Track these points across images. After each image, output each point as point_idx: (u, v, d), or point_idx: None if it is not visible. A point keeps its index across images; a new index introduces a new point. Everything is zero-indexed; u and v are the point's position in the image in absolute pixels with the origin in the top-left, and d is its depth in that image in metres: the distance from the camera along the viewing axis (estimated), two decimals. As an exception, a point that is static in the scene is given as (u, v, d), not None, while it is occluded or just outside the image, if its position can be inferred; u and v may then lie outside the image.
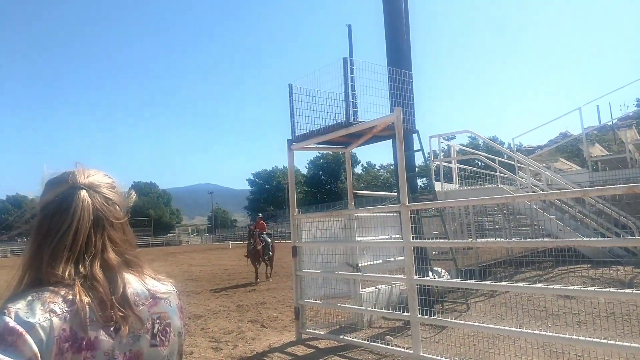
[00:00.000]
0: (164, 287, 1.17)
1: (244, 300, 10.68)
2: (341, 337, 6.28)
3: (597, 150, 20.37)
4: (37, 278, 1.02)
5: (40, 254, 1.04)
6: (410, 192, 6.73)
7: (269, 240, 14.69)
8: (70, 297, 0.97)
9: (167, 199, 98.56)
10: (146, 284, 1.13)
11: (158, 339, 1.08)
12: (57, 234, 1.04)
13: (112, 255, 1.08)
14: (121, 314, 1.01)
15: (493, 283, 6.34)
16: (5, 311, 0.92)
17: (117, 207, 1.16)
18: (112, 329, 0.99)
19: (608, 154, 20.84)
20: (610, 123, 20.73)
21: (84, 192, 1.10)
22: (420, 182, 21.96)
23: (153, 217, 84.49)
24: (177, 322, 1.14)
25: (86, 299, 0.98)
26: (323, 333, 6.68)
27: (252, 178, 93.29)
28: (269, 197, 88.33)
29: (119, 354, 0.99)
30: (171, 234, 74.92)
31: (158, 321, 1.09)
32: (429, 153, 11.85)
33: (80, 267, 1.03)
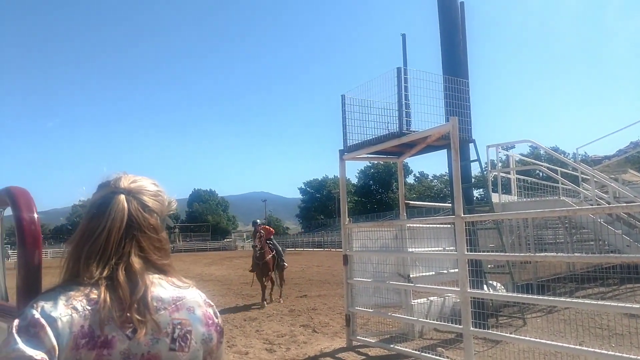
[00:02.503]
0: (190, 294, 1.17)
1: (295, 305, 10.87)
2: (391, 346, 6.27)
3: (672, 162, 18.94)
4: (73, 275, 1.09)
5: (79, 251, 1.11)
6: (465, 204, 6.64)
7: (280, 248, 11.88)
8: (93, 295, 1.03)
9: (224, 205, 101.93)
10: (171, 290, 1.14)
11: (177, 344, 1.08)
12: (93, 235, 1.10)
13: (136, 259, 1.11)
14: (138, 318, 1.04)
15: (552, 298, 6.11)
16: (35, 305, 1.01)
17: (155, 214, 1.19)
18: (129, 330, 1.03)
19: (685, 165, 19.34)
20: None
21: (122, 197, 1.15)
22: (476, 193, 21.37)
23: (211, 222, 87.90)
24: (200, 330, 1.13)
25: (108, 299, 1.03)
26: (374, 341, 6.70)
27: (303, 187, 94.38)
28: (319, 206, 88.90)
29: (136, 355, 1.02)
30: (228, 239, 77.35)
31: (179, 327, 1.09)
32: (486, 163, 11.57)
33: (107, 268, 1.08)
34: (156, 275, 1.14)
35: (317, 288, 14.23)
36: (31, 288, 1.52)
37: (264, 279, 10.82)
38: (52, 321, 0.97)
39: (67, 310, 0.99)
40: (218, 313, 1.21)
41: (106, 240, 1.10)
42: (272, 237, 11.69)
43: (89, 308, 1.01)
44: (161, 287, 1.12)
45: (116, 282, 1.06)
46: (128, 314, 1.03)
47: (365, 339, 6.76)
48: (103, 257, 1.09)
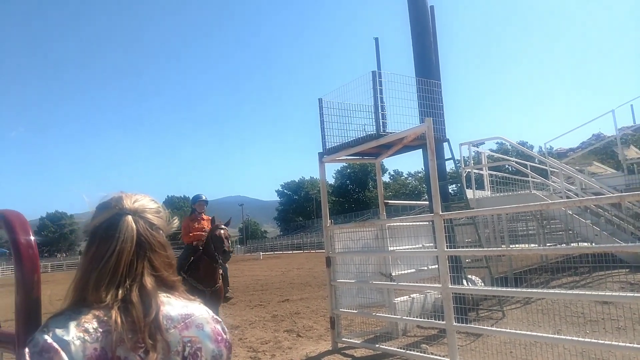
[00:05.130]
0: (198, 311, 1.17)
1: (278, 310, 10.87)
2: (377, 345, 6.37)
3: (633, 153, 19.75)
4: (82, 298, 1.09)
5: (87, 276, 1.10)
6: (442, 200, 6.80)
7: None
8: (104, 318, 1.03)
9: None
10: (180, 307, 1.15)
11: None
12: (103, 259, 1.10)
13: (149, 279, 1.12)
14: (150, 341, 1.04)
15: (528, 290, 6.34)
16: (45, 329, 1.01)
17: (161, 231, 1.21)
18: (141, 351, 1.03)
19: (645, 155, 20.21)
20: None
21: (129, 218, 1.15)
22: (451, 188, 21.78)
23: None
24: (210, 346, 1.13)
25: (120, 322, 1.03)
26: (359, 342, 6.78)
27: (280, 189, 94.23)
28: (297, 207, 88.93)
29: None
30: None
31: (189, 344, 1.10)
32: (459, 160, 11.86)
33: (120, 290, 1.08)
34: (164, 294, 1.15)
35: (299, 291, 14.24)
36: (31, 313, 1.52)
37: None
38: (65, 345, 0.97)
39: (79, 334, 0.99)
40: (226, 329, 1.22)
41: (116, 263, 1.10)
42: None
43: (101, 330, 1.01)
44: (170, 305, 1.13)
45: (130, 304, 1.06)
46: (141, 336, 1.03)
47: (351, 340, 6.84)
48: (113, 280, 1.09)
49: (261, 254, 45.84)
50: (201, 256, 6.53)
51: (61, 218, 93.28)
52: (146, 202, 1.23)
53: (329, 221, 7.27)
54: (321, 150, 7.35)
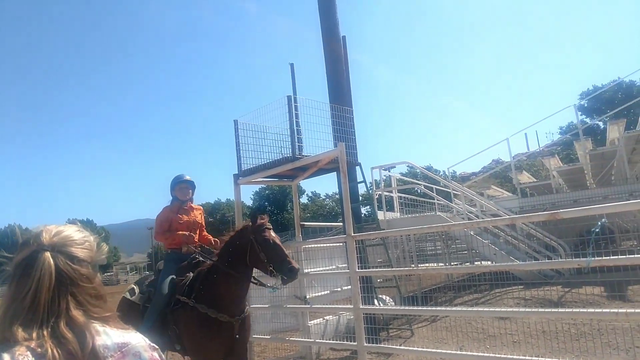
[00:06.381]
0: (135, 340, 1.16)
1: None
2: (291, 370, 6.29)
3: (525, 177, 21.89)
4: (4, 337, 1.06)
5: (6, 314, 1.08)
6: (355, 222, 6.99)
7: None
8: (39, 350, 1.01)
9: (104, 236, 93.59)
10: (116, 336, 1.14)
11: None
12: (19, 297, 1.08)
13: (77, 312, 1.10)
14: None
15: (434, 308, 6.66)
16: None
17: (85, 263, 1.18)
18: None
19: (535, 180, 22.47)
20: (538, 150, 22.40)
21: (46, 255, 1.12)
22: (364, 209, 22.49)
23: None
24: None
25: (56, 355, 1.01)
26: (272, 368, 6.65)
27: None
28: (212, 230, 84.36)
29: None
30: (108, 273, 71.02)
31: None
32: (371, 183, 12.34)
33: (44, 328, 1.05)
34: (99, 323, 1.14)
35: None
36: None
37: None
38: None
39: None
40: (163, 356, 1.21)
41: (33, 301, 1.07)
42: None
43: None
44: (106, 335, 1.12)
45: (62, 338, 1.04)
46: None
47: (264, 366, 6.68)
48: (33, 318, 1.06)
49: (172, 279, 43.66)
50: (223, 270, 4.22)
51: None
52: (70, 233, 1.20)
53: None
54: (236, 172, 7.26)
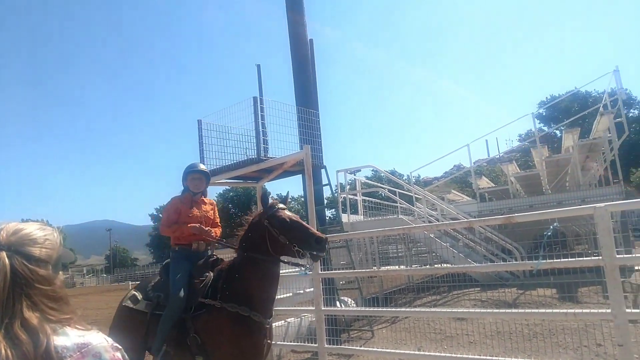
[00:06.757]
0: (96, 340, 1.13)
1: (148, 342, 10.11)
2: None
3: (484, 183, 22.62)
4: None
5: None
6: (319, 224, 7.04)
7: None
8: None
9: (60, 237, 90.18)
10: (76, 336, 1.11)
11: None
12: None
13: (30, 314, 1.07)
14: None
15: (394, 309, 6.78)
16: None
17: (44, 263, 1.15)
18: None
19: (493, 185, 23.25)
20: (498, 156, 23.17)
21: (2, 255, 1.09)
22: (329, 212, 22.64)
23: (42, 257, 76.78)
24: None
25: (10, 354, 1.00)
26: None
27: (155, 213, 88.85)
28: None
29: None
30: (64, 276, 68.48)
31: None
32: (336, 186, 12.45)
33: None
34: (58, 324, 1.11)
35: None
36: None
37: None
38: None
39: None
40: (126, 356, 1.18)
41: None
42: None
43: None
44: (65, 336, 1.09)
45: (16, 339, 1.03)
46: None
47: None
48: None
49: (130, 283, 42.53)
50: (253, 261, 3.71)
51: None
52: (30, 231, 1.16)
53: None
54: (199, 173, 7.16)
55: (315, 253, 3.56)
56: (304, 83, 8.72)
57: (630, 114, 45.45)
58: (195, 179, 4.46)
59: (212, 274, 3.91)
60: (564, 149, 17.86)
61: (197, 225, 4.16)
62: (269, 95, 7.47)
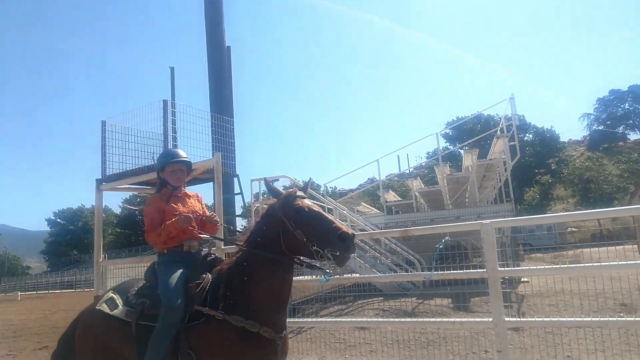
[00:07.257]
0: None
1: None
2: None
3: (391, 196, 23.79)
4: None
5: None
6: (229, 234, 6.93)
7: None
8: None
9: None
10: None
11: None
12: None
13: None
14: None
15: (298, 320, 6.85)
16: None
17: None
18: None
19: (400, 199, 24.52)
20: (407, 172, 24.49)
21: None
22: (243, 222, 22.30)
23: None
24: None
25: None
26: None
27: (52, 218, 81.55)
28: (72, 239, 77.91)
29: None
30: None
31: None
32: (255, 195, 12.32)
33: None
34: None
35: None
36: None
37: None
38: None
39: None
40: None
41: None
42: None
43: None
44: None
45: None
46: None
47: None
48: None
49: (19, 293, 38.48)
50: (265, 261, 3.09)
51: None
52: None
53: (102, 255, 6.62)
54: (100, 177, 6.75)
55: (338, 254, 2.84)
56: (220, 90, 8.61)
57: (526, 138, 50.62)
58: (177, 171, 3.74)
59: (209, 275, 3.29)
60: (464, 167, 19.31)
61: (190, 214, 3.50)
62: (187, 102, 7.27)
